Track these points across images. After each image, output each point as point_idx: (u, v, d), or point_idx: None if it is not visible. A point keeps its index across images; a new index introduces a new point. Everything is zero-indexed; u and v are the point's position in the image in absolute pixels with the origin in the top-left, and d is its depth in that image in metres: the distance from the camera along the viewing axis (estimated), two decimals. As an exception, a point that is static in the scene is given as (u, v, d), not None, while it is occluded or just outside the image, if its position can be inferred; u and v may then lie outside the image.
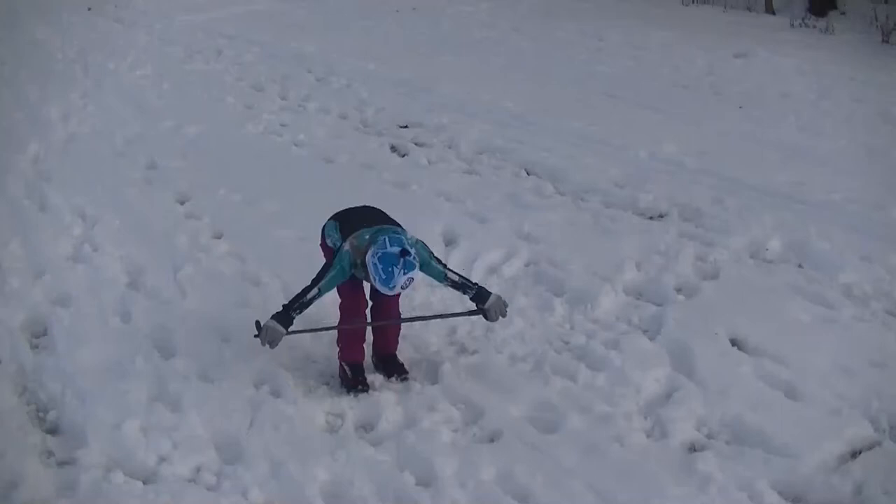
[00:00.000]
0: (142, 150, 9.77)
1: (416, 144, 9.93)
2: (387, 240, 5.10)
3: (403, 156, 9.66)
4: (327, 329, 5.61)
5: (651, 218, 7.95)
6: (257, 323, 5.31)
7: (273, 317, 5.27)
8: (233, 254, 7.30)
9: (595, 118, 10.59)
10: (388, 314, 5.68)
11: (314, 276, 5.33)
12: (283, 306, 5.31)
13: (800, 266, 7.08)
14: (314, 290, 5.27)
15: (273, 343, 5.26)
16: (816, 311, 6.39)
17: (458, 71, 13.14)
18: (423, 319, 5.94)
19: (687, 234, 7.55)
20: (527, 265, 7.10)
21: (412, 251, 5.12)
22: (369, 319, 5.66)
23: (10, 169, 9.16)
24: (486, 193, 8.46)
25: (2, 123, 10.78)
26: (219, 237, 7.63)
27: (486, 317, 5.62)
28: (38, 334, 6.25)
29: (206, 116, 11.00)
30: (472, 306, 5.69)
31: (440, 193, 8.41)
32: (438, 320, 6.03)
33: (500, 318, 5.65)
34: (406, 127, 10.53)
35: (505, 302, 5.66)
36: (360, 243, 5.23)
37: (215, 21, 16.91)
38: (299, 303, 5.28)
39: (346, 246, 5.28)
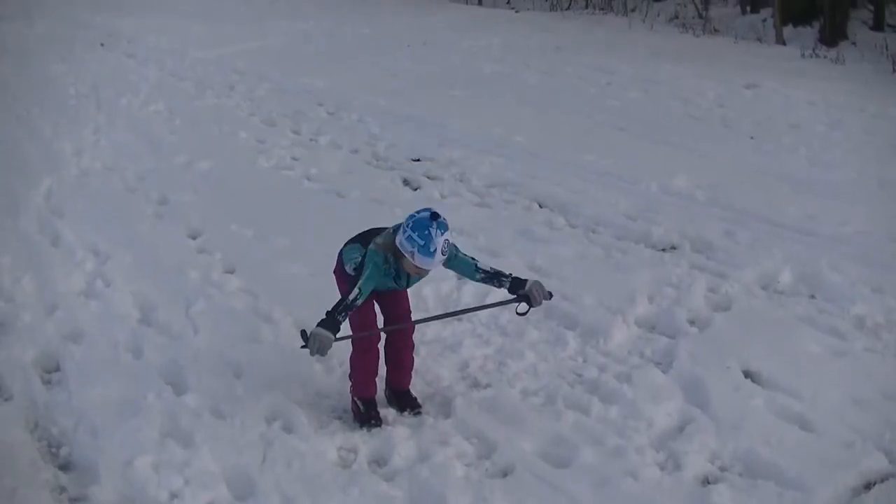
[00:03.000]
0: (154, 185, 9.81)
1: (427, 178, 9.98)
2: (413, 216, 5.06)
3: (416, 189, 9.71)
4: (371, 334, 5.43)
5: (663, 250, 7.97)
6: (303, 333, 5.09)
7: (319, 324, 5.04)
8: (244, 289, 7.31)
9: (606, 151, 10.64)
10: (403, 346, 5.64)
11: (349, 284, 5.16)
12: (328, 313, 5.10)
13: (812, 297, 7.08)
14: (355, 291, 5.08)
15: (323, 351, 5.02)
16: (829, 342, 6.40)
17: (469, 105, 13.22)
18: (462, 313, 5.88)
19: (698, 267, 7.57)
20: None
21: (440, 215, 5.05)
22: (382, 336, 5.58)
23: (24, 204, 9.21)
24: (498, 227, 8.50)
25: (15, 159, 10.84)
26: (230, 272, 7.64)
27: (529, 302, 5.38)
28: (51, 370, 6.26)
29: (218, 151, 11.07)
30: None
31: (452, 227, 8.31)
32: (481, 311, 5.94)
33: (544, 301, 5.43)
34: (418, 161, 10.59)
35: (545, 289, 5.45)
36: (385, 238, 5.17)
37: (227, 57, 17.04)
38: (343, 306, 5.08)
39: (372, 245, 5.18)
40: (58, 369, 6.24)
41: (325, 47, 18.23)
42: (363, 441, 5.39)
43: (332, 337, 5.03)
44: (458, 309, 5.92)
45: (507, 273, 5.47)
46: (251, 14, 22.31)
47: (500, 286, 5.45)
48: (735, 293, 7.09)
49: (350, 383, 5.62)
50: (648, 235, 8.19)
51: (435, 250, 5.00)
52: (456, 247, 5.37)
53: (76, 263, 7.81)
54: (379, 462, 5.25)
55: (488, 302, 5.97)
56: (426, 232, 4.98)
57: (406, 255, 5.07)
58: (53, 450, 5.41)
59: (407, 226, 5.03)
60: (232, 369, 6.09)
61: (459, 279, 7.36)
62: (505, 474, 5.07)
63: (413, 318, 5.71)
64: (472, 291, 7.15)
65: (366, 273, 5.13)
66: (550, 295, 5.49)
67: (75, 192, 9.71)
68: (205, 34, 19.36)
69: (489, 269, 5.44)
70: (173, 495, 4.91)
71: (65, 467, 5.26)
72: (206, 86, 14.80)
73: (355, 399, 5.58)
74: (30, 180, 9.91)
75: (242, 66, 16.14)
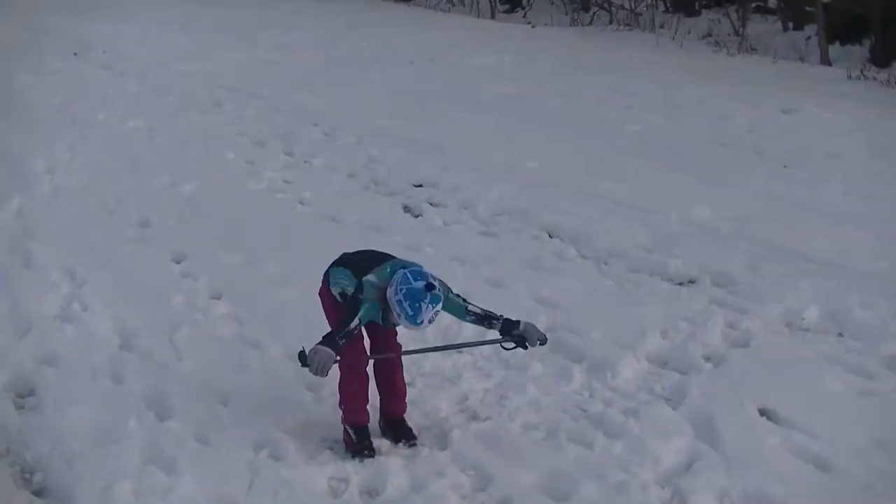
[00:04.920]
0: (134, 206, 10.20)
1: (430, 205, 10.33)
2: (408, 274, 5.50)
3: (417, 216, 10.12)
4: (377, 357, 5.93)
5: (680, 284, 8.36)
6: (301, 352, 5.48)
7: (321, 342, 5.48)
8: (232, 316, 7.73)
9: (623, 179, 11.02)
10: (390, 369, 6.08)
11: (346, 311, 5.66)
12: (326, 336, 5.52)
13: (839, 335, 7.44)
14: (355, 321, 5.57)
15: (324, 369, 5.43)
16: (854, 382, 6.75)
17: (478, 128, 13.53)
18: (454, 348, 6.37)
19: (718, 302, 7.95)
20: (545, 331, 7.44)
21: (436, 283, 5.51)
22: (370, 360, 6.01)
23: (-10, 224, 9.60)
24: (505, 257, 8.92)
25: (-20, 176, 11.20)
26: (217, 298, 8.05)
27: (524, 343, 5.95)
28: (24, 394, 6.63)
29: (204, 172, 11.45)
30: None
31: (455, 257, 8.84)
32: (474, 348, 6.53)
33: (540, 344, 5.99)
34: (420, 186, 10.95)
35: (540, 331, 6.02)
36: (380, 279, 5.62)
37: (213, 71, 17.38)
38: (344, 332, 5.53)
39: (370, 279, 5.64)
40: (31, 394, 6.63)
41: (321, 62, 18.47)
42: (355, 471, 5.76)
43: (335, 355, 5.47)
44: (454, 343, 6.45)
45: (498, 315, 6.00)
46: (239, 24, 22.57)
47: (490, 328, 6.02)
48: (755, 329, 7.47)
49: (340, 412, 6.02)
50: (665, 268, 8.57)
51: (422, 322, 5.51)
52: (449, 288, 5.86)
53: (50, 286, 8.21)
54: (371, 493, 5.62)
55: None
56: (417, 304, 5.46)
57: (393, 313, 5.55)
58: (27, 475, 5.77)
59: (400, 289, 5.48)
60: (218, 396, 6.48)
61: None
62: (501, 507, 5.47)
63: (406, 348, 6.18)
64: (472, 326, 7.53)
65: (365, 306, 5.61)
66: (545, 338, 6.09)
67: (48, 212, 10.11)
68: (189, 45, 19.68)
69: (479, 310, 5.96)
70: (155, 522, 5.32)
71: (39, 493, 5.63)
72: (191, 102, 15.19)
73: (347, 428, 5.97)
74: (-2, 199, 10.30)
75: (230, 82, 16.50)
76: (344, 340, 5.54)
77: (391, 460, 5.84)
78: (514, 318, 6.00)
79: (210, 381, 6.69)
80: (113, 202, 10.43)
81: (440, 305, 5.53)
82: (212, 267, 8.63)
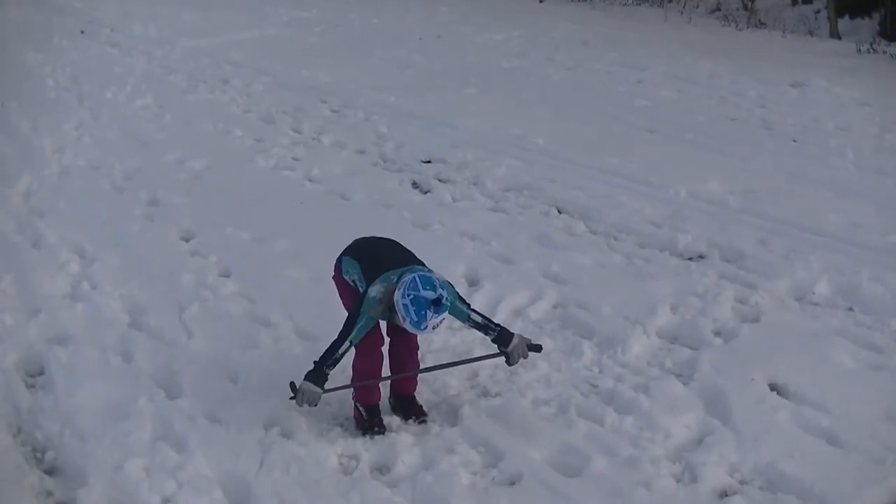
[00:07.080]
0: (143, 184, 10.26)
1: (439, 181, 10.36)
2: (417, 280, 5.50)
3: (425, 193, 10.14)
4: (362, 384, 5.95)
5: (689, 259, 8.37)
6: (292, 385, 5.73)
7: (307, 377, 5.70)
8: (241, 294, 7.76)
9: (633, 155, 11.05)
10: (406, 351, 6.11)
11: (341, 329, 5.73)
12: (315, 363, 5.72)
13: (849, 310, 7.46)
14: (345, 345, 5.69)
15: (312, 403, 5.71)
16: (865, 356, 6.77)
17: (486, 104, 13.58)
18: (442, 367, 6.30)
19: (727, 276, 7.96)
20: (554, 307, 7.53)
21: (444, 293, 5.52)
22: (385, 358, 6.07)
23: (0, 203, 9.66)
24: (513, 233, 8.92)
25: (-11, 156, 11.28)
26: (226, 276, 8.08)
27: (507, 360, 6.05)
28: (34, 374, 6.69)
29: (212, 150, 11.52)
30: (494, 348, 6.12)
31: (464, 233, 8.87)
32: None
33: (522, 359, 6.06)
34: (429, 162, 11.00)
35: (529, 343, 6.07)
36: (387, 287, 5.65)
37: (220, 47, 17.49)
38: (332, 359, 5.68)
39: (373, 293, 5.68)
40: (42, 373, 6.67)
41: (330, 38, 18.61)
42: (365, 448, 5.80)
43: (321, 391, 5.73)
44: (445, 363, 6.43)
45: (496, 325, 6.06)
46: (247, 0, 22.68)
47: (486, 335, 6.08)
48: (765, 304, 7.49)
49: (352, 389, 6.03)
50: (674, 243, 8.59)
51: (426, 327, 5.57)
52: (456, 294, 5.90)
53: (60, 265, 8.26)
54: (381, 469, 5.66)
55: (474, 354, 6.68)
56: (423, 312, 5.49)
57: (398, 315, 5.58)
58: (38, 454, 5.82)
59: (407, 294, 5.50)
60: (228, 374, 6.53)
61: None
62: (512, 482, 5.48)
63: (417, 345, 6.24)
64: (485, 347, 7.54)
65: (360, 324, 5.70)
66: (540, 348, 6.18)
67: (57, 191, 10.16)
68: (196, 22, 19.82)
69: (480, 319, 6.01)
70: (166, 499, 5.33)
71: (51, 472, 5.68)
72: (199, 79, 15.27)
73: (358, 405, 6.01)
74: (6, 178, 10.37)
75: (238, 58, 16.59)
76: (332, 366, 5.72)
77: (402, 437, 5.87)
78: (509, 331, 6.07)
79: (220, 358, 6.73)
80: (121, 180, 10.49)
81: (445, 314, 5.59)
82: (221, 245, 8.66)
